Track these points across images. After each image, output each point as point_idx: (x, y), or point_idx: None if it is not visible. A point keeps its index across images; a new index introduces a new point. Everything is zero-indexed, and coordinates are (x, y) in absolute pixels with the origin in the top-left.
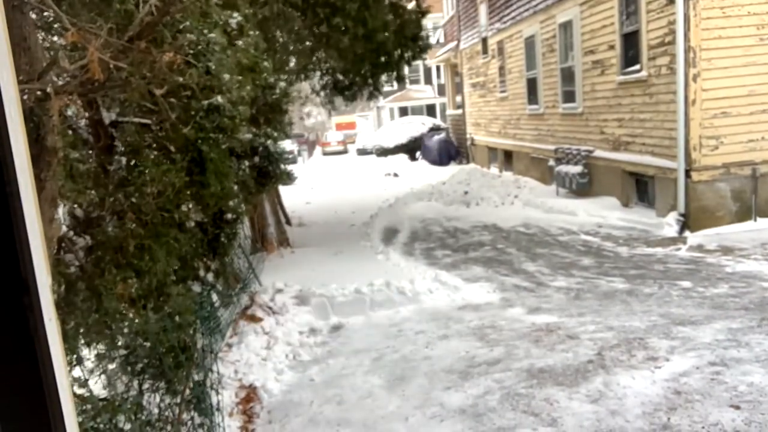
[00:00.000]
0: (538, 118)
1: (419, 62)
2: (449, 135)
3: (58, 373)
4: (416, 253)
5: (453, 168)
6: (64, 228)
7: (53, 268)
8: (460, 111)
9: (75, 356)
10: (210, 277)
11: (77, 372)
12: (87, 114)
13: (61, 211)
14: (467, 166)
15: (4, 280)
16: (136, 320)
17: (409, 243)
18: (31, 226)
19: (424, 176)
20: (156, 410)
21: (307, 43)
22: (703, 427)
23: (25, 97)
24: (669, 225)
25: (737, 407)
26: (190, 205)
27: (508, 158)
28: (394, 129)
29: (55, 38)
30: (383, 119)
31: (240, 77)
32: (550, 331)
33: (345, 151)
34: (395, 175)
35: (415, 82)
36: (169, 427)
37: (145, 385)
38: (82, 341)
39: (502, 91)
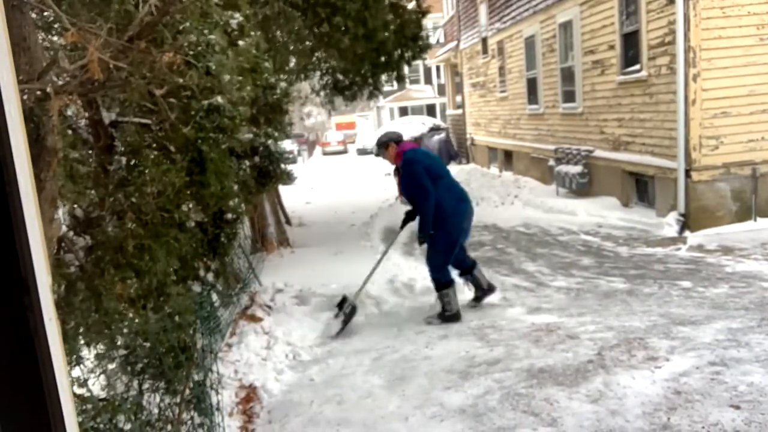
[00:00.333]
0: (538, 118)
1: (419, 62)
2: (449, 135)
3: (58, 373)
4: (416, 252)
5: (453, 168)
6: (64, 228)
7: (53, 268)
8: (460, 111)
9: (75, 356)
10: (210, 277)
11: (77, 372)
12: (87, 114)
13: (61, 211)
14: (467, 166)
15: (4, 280)
16: (136, 320)
17: (409, 243)
18: (31, 226)
19: None
20: (156, 410)
21: (308, 42)
22: (703, 427)
23: (25, 97)
24: (669, 225)
25: (737, 407)
26: (190, 205)
27: (508, 158)
28: (394, 129)
29: (55, 38)
30: (383, 119)
31: (240, 77)
32: (550, 331)
33: (345, 151)
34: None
35: (415, 82)
36: (169, 427)
37: (145, 385)
38: (82, 341)
39: (502, 91)
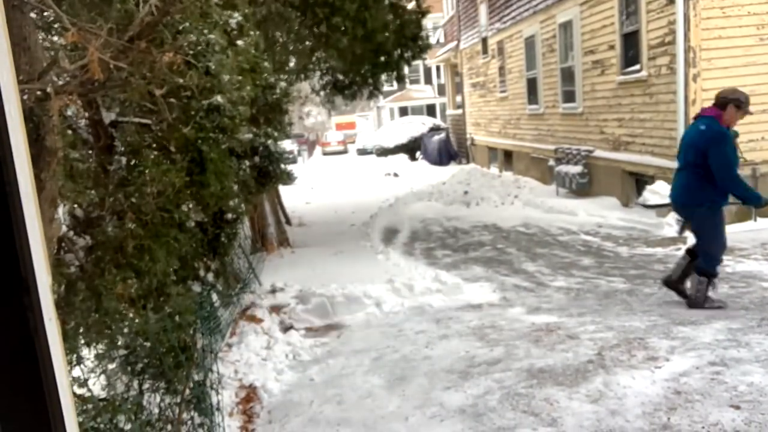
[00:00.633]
0: (538, 118)
1: (419, 62)
2: (449, 135)
3: (58, 373)
4: (416, 252)
5: (453, 168)
6: (64, 228)
7: (53, 268)
8: (460, 111)
9: (75, 356)
10: (210, 277)
11: (77, 372)
12: (87, 114)
13: (61, 211)
14: (467, 166)
15: (4, 280)
16: (136, 320)
17: (409, 243)
18: (31, 226)
19: (424, 176)
20: (156, 410)
21: (307, 43)
22: (703, 427)
23: (25, 97)
24: (669, 225)
25: (737, 407)
26: (190, 205)
27: (508, 158)
28: (394, 129)
29: (55, 38)
30: (383, 119)
31: (240, 77)
32: (550, 330)
33: (345, 151)
34: (395, 175)
35: (415, 82)
36: (169, 427)
37: (145, 385)
38: (82, 341)
39: (502, 91)
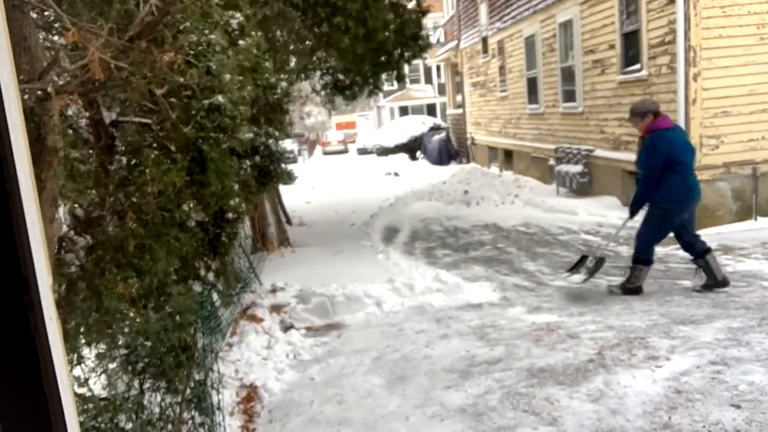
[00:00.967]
0: (539, 118)
1: (419, 62)
2: (449, 134)
3: (58, 373)
4: (416, 252)
5: (453, 167)
6: (65, 227)
7: (54, 267)
8: (460, 110)
9: (76, 355)
10: (211, 276)
11: (78, 371)
12: (87, 113)
13: (61, 211)
14: (467, 165)
15: (5, 280)
16: (137, 320)
17: (409, 242)
18: (31, 225)
19: (424, 176)
20: (157, 409)
21: (308, 42)
22: (703, 426)
23: (26, 96)
24: None
25: (738, 406)
26: (191, 205)
27: (508, 158)
28: (394, 128)
29: (56, 38)
30: (383, 119)
31: (241, 77)
32: (550, 330)
33: (345, 151)
34: (395, 174)
35: (416, 81)
36: (170, 427)
37: (146, 385)
38: (83, 341)
39: (503, 91)
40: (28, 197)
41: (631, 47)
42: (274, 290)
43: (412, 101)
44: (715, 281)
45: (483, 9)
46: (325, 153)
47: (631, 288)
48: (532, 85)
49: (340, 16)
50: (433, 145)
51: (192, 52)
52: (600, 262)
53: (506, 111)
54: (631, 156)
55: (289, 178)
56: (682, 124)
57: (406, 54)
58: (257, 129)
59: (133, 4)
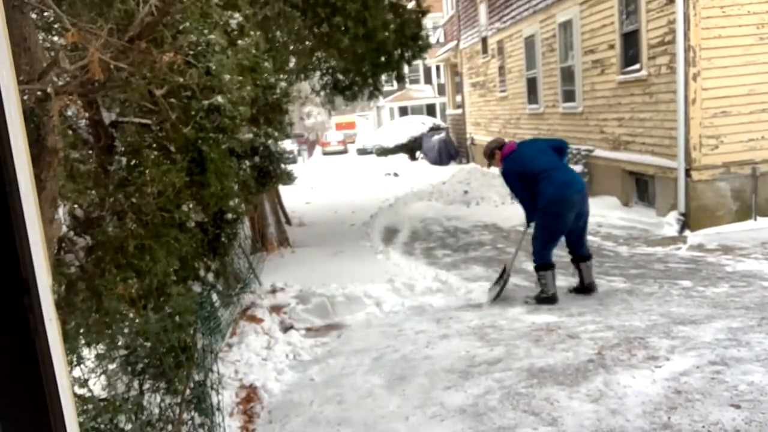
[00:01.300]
0: (538, 118)
1: (419, 62)
2: (449, 134)
3: (58, 373)
4: (416, 252)
5: (453, 167)
6: (65, 228)
7: (53, 268)
8: (460, 110)
9: (75, 356)
10: (210, 277)
11: (78, 372)
12: (87, 114)
13: (61, 212)
14: (467, 165)
15: (4, 281)
16: (137, 320)
17: (409, 242)
18: (31, 226)
19: (424, 176)
20: (156, 410)
21: (308, 42)
22: (703, 426)
23: (26, 97)
24: (669, 224)
25: (738, 406)
26: (191, 205)
27: None
28: (394, 129)
29: (56, 38)
30: (383, 119)
31: (240, 77)
32: (550, 330)
33: (345, 151)
34: (395, 174)
35: (415, 81)
36: (169, 427)
37: (146, 385)
38: (83, 341)
39: (502, 91)
40: (27, 198)
41: (630, 47)
42: (273, 291)
43: (412, 101)
44: (582, 285)
45: (482, 9)
46: (325, 153)
47: (545, 297)
48: (531, 85)
49: (340, 16)
50: (432, 145)
51: (191, 52)
52: (503, 273)
53: (506, 111)
54: (632, 156)
55: (288, 178)
56: (681, 123)
57: (406, 54)
58: (257, 129)
59: (133, 5)
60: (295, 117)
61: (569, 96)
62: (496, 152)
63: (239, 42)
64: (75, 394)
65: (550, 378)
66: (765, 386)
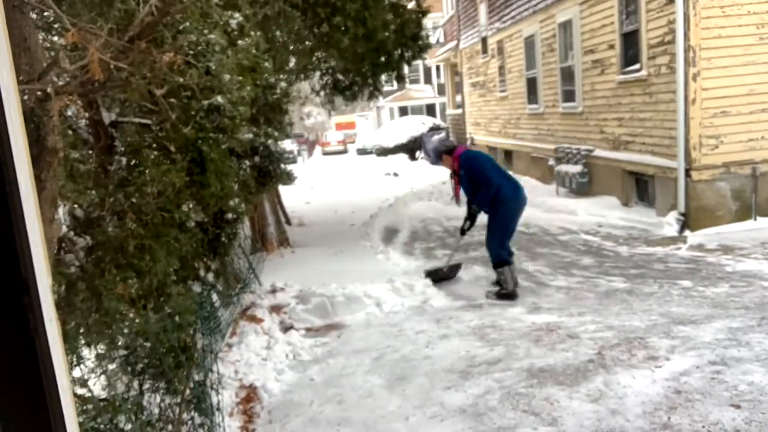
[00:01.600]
0: (538, 118)
1: (419, 62)
2: (449, 134)
3: (58, 374)
4: (416, 252)
5: None
6: (65, 228)
7: (53, 268)
8: (459, 110)
9: (75, 356)
10: (210, 277)
11: (78, 372)
12: (87, 114)
13: (61, 212)
14: None
15: (4, 281)
16: (137, 320)
17: (409, 242)
18: (31, 226)
19: (424, 176)
20: (156, 410)
21: (308, 42)
22: (703, 426)
23: (26, 97)
24: (669, 224)
25: (738, 406)
26: (191, 205)
27: (508, 158)
28: (394, 129)
29: (56, 38)
30: (383, 119)
31: (240, 77)
32: (550, 330)
33: (345, 151)
34: (395, 174)
35: (415, 81)
36: (169, 427)
37: (146, 385)
38: (83, 341)
39: (502, 91)
40: (27, 198)
41: (630, 47)
42: (273, 291)
43: (412, 101)
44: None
45: (482, 9)
46: (325, 153)
47: (505, 294)
48: (531, 85)
49: (340, 16)
50: (432, 145)
51: (191, 52)
52: (458, 267)
53: (506, 111)
54: (631, 156)
55: (288, 178)
56: (681, 123)
57: (406, 54)
58: (257, 129)
59: (133, 5)
60: (295, 117)
61: (569, 96)
62: (444, 156)
63: (239, 42)
64: (75, 394)
65: (550, 378)
66: (765, 386)
